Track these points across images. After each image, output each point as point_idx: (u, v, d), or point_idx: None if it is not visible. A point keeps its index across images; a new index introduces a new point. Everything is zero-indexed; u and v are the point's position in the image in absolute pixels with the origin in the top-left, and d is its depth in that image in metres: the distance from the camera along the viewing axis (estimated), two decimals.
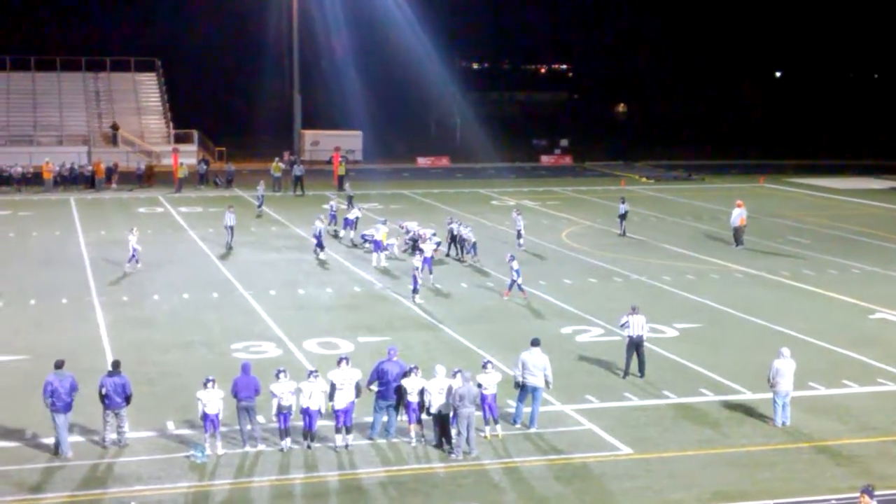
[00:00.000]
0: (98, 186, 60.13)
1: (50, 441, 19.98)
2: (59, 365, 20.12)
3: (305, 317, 31.02)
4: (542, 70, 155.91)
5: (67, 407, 19.74)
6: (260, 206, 51.10)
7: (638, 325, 24.90)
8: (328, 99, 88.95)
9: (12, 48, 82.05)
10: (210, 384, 19.92)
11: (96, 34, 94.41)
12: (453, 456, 19.98)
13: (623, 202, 46.56)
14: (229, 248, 41.38)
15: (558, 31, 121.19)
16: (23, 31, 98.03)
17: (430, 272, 35.22)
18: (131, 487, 18.45)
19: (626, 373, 25.18)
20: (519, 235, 42.39)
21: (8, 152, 67.92)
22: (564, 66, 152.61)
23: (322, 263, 38.54)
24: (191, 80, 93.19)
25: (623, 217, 46.03)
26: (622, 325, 25.43)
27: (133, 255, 36.67)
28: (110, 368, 20.41)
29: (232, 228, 41.78)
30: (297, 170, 60.77)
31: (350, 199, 50.05)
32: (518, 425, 21.64)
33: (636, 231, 47.38)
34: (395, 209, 52.67)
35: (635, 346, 25.00)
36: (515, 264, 33.32)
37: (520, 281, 33.17)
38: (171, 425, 21.29)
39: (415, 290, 32.64)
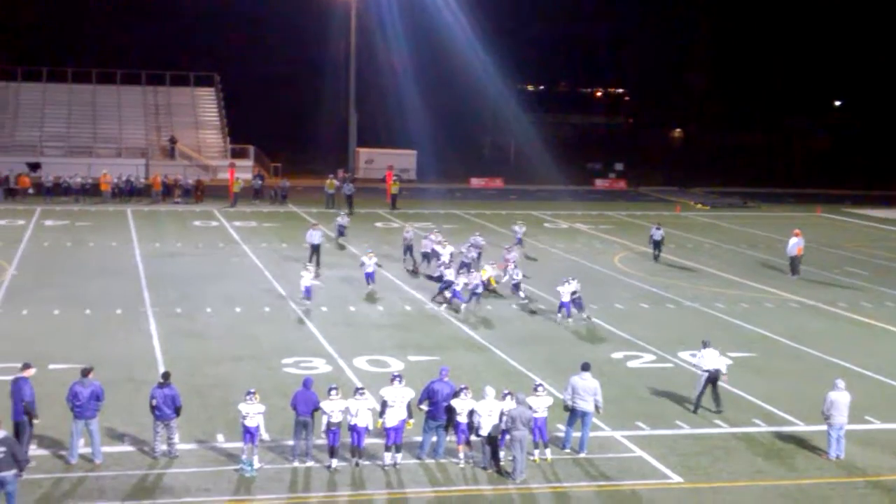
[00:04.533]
0: (154, 199, 60.80)
1: (110, 450, 20.17)
2: (84, 372, 20.19)
3: (356, 334, 31.04)
4: (599, 93, 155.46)
5: (85, 413, 19.78)
6: (341, 236, 47.48)
7: (713, 360, 24.25)
8: (384, 117, 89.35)
9: (74, 61, 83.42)
10: (250, 397, 19.96)
11: (157, 48, 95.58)
12: (514, 480, 19.82)
13: (658, 228, 46.18)
14: (318, 266, 40.19)
15: (615, 55, 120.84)
16: (85, 44, 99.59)
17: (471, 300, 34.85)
18: (180, 499, 18.50)
19: (697, 407, 24.35)
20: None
21: (68, 163, 68.94)
22: (621, 90, 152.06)
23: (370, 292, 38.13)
24: (248, 95, 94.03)
25: (659, 243, 45.63)
26: (696, 364, 24.60)
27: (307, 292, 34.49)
28: (161, 379, 20.50)
29: (318, 247, 40.97)
30: (347, 188, 60.83)
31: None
32: (567, 450, 21.45)
33: (690, 258, 46.97)
34: (448, 229, 52.63)
35: (712, 380, 24.18)
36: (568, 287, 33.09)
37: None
38: (220, 438, 21.36)
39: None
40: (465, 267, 38.08)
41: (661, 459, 21.27)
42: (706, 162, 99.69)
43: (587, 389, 21.43)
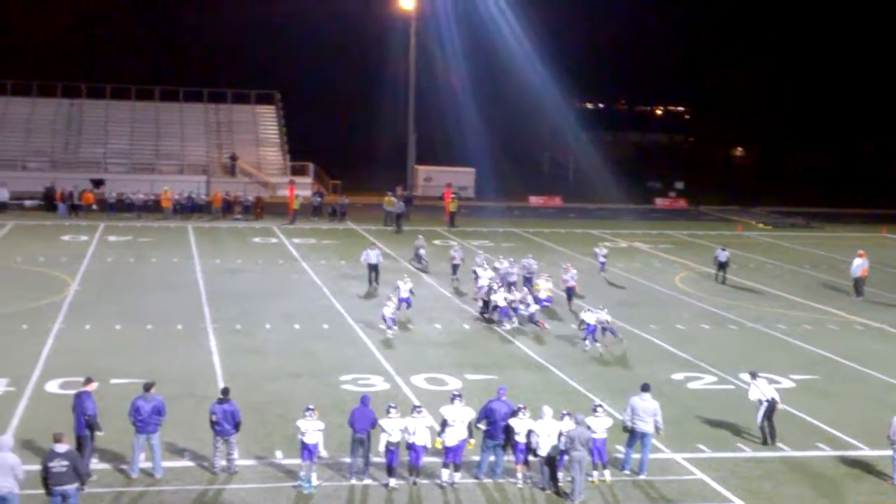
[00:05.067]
0: (214, 215, 61.41)
1: (171, 465, 20.34)
2: (147, 387, 20.42)
3: (413, 352, 31.01)
4: (659, 112, 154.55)
5: (147, 427, 19.94)
6: (420, 260, 45.99)
7: (766, 389, 23.65)
8: (443, 135, 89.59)
9: (138, 79, 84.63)
10: (309, 414, 19.98)
11: (218, 66, 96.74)
12: (572, 501, 19.63)
13: (724, 249, 45.62)
14: (372, 284, 40.33)
15: (676, 74, 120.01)
16: (148, 62, 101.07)
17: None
18: None
19: (765, 439, 23.56)
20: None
21: (131, 179, 69.82)
22: (681, 108, 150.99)
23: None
24: (308, 113, 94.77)
25: (724, 265, 45.03)
26: (754, 397, 23.74)
27: (403, 302, 34.71)
28: (220, 395, 20.61)
29: (376, 266, 40.68)
30: (397, 206, 60.45)
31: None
32: (627, 471, 21.22)
33: (752, 278, 46.41)
34: (507, 247, 52.52)
35: (771, 410, 23.53)
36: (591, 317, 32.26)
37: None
38: (279, 454, 21.41)
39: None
40: (511, 286, 37.06)
41: (723, 483, 20.97)
42: (768, 181, 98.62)
43: (647, 410, 21.21)
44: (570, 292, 37.96)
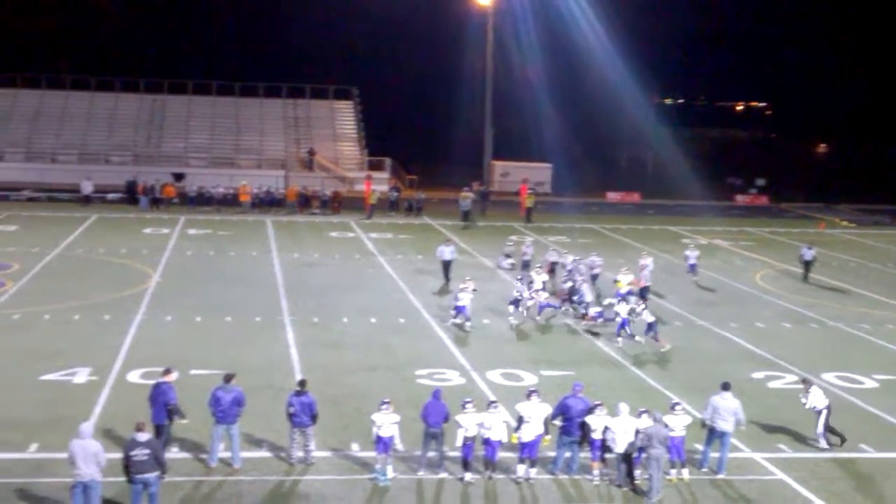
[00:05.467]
0: (290, 209, 61.87)
1: (249, 455, 20.55)
2: (227, 379, 20.64)
3: (489, 347, 30.95)
4: (739, 107, 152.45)
5: (226, 418, 20.15)
6: (509, 262, 44.46)
7: (821, 397, 23.00)
8: (520, 130, 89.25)
9: (218, 74, 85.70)
10: (385, 407, 20.03)
11: (297, 62, 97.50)
12: (650, 500, 19.44)
13: (809, 248, 44.75)
14: (448, 281, 39.96)
15: (756, 69, 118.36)
16: (229, 58, 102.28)
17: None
18: None
19: (838, 435, 23.07)
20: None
21: (210, 174, 70.75)
22: (762, 104, 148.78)
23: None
24: (386, 108, 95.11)
25: (809, 263, 44.16)
26: (809, 404, 23.01)
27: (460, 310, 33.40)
28: (297, 387, 20.75)
29: (449, 263, 40.39)
30: (464, 204, 60.02)
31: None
32: (705, 469, 20.95)
33: (835, 276, 45.55)
34: (584, 244, 52.20)
35: (828, 417, 22.95)
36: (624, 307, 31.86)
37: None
38: (355, 447, 21.50)
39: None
40: (573, 290, 35.88)
41: (803, 483, 20.61)
42: (853, 178, 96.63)
43: (728, 409, 20.93)
44: (644, 291, 37.31)
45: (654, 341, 31.01)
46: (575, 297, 35.21)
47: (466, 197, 61.23)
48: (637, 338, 31.27)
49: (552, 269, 40.34)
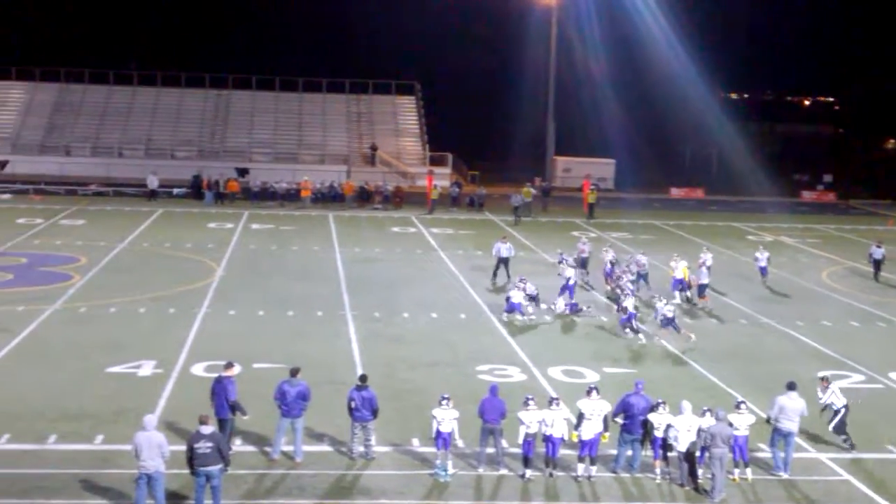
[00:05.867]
0: (348, 204, 62.00)
1: (310, 449, 20.67)
2: (293, 372, 20.76)
3: (551, 343, 30.83)
4: (806, 102, 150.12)
5: (291, 412, 20.28)
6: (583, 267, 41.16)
7: (839, 397, 22.29)
8: (582, 125, 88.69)
9: (281, 69, 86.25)
10: (445, 402, 20.02)
11: (360, 58, 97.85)
12: (712, 499, 19.23)
13: (879, 246, 43.90)
14: (496, 278, 39.46)
15: (825, 63, 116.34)
16: (292, 53, 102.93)
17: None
18: (376, 500, 18.76)
19: (852, 445, 22.26)
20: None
21: (274, 169, 71.32)
22: (830, 99, 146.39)
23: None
24: (448, 103, 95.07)
25: (879, 262, 43.28)
26: (827, 405, 22.23)
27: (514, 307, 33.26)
28: (358, 382, 20.82)
29: (507, 260, 39.51)
30: (515, 199, 59.09)
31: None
32: (780, 473, 20.51)
33: None
34: (645, 240, 51.78)
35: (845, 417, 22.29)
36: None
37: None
38: (415, 442, 21.52)
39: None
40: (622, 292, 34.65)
41: (871, 485, 20.23)
42: None
43: (795, 410, 20.67)
44: (701, 289, 36.63)
45: (678, 332, 31.05)
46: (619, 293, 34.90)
47: (528, 194, 60.95)
48: (640, 336, 31.05)
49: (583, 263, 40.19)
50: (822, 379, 22.94)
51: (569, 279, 35.71)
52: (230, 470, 18.44)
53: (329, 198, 62.98)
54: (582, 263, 40.45)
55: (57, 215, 53.51)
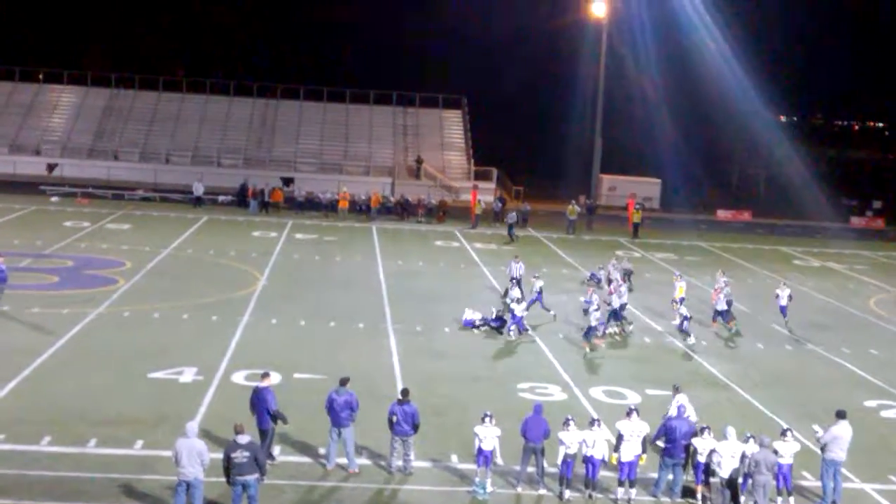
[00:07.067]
0: (371, 216, 61.37)
1: (342, 461, 20.56)
2: (342, 382, 20.78)
3: (592, 363, 30.57)
4: (856, 127, 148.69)
5: (338, 421, 20.27)
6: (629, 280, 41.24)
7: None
8: (630, 143, 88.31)
9: (329, 80, 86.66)
10: (488, 419, 19.87)
11: (408, 71, 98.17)
12: None
13: None
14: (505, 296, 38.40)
15: (875, 87, 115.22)
16: (340, 64, 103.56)
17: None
18: None
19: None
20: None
21: (319, 179, 71.53)
22: (881, 124, 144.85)
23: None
24: (494, 118, 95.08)
25: None
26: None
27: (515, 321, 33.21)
28: (400, 396, 20.72)
29: (519, 280, 38.87)
30: (510, 217, 57.14)
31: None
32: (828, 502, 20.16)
33: None
34: (691, 261, 51.33)
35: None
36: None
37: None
38: (454, 458, 21.37)
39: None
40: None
41: None
42: None
43: (845, 438, 20.32)
44: (722, 315, 35.49)
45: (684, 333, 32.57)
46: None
47: (573, 212, 60.56)
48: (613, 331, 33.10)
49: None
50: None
51: (540, 291, 36.24)
52: (268, 480, 18.37)
53: (366, 210, 62.42)
54: (608, 282, 39.40)
55: (103, 219, 53.95)
